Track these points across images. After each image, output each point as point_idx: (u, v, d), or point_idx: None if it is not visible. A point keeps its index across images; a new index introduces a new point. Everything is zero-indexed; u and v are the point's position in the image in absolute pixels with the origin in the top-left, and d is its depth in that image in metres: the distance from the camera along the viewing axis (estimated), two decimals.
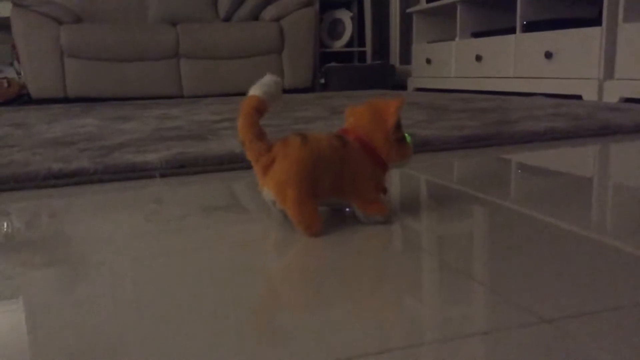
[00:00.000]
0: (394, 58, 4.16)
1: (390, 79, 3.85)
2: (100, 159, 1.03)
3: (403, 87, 3.89)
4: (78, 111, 2.34)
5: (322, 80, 3.85)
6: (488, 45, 2.81)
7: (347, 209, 0.68)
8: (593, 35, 2.15)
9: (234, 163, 1.03)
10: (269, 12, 3.60)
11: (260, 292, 0.47)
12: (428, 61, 3.42)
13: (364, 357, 0.35)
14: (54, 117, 2.04)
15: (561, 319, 0.39)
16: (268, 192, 0.61)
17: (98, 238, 0.63)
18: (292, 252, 0.58)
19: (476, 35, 3.01)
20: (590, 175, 0.89)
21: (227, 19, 3.65)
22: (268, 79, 0.63)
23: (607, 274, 0.47)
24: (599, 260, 0.50)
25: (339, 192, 0.63)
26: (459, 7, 3.07)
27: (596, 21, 2.17)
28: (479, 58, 2.88)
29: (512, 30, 2.66)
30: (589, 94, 2.17)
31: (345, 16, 4.18)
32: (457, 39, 3.10)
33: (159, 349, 0.37)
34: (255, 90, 0.62)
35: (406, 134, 0.67)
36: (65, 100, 3.19)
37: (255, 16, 3.67)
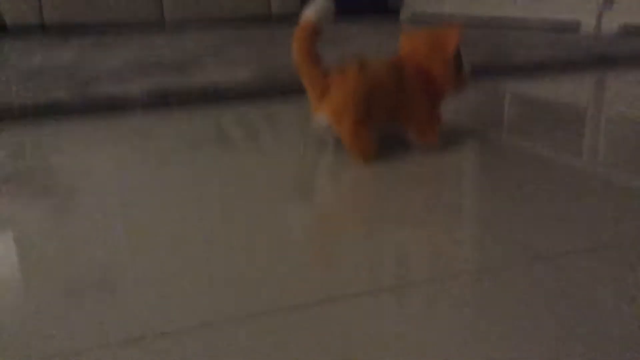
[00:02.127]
0: None
1: (383, 8, 3.70)
2: (79, 90, 0.98)
3: (396, 16, 3.75)
4: (55, 40, 2.24)
5: None
6: None
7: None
8: None
9: (219, 96, 0.99)
10: None
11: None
12: None
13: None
14: (30, 48, 1.95)
15: (556, 257, 0.38)
16: (323, 117, 0.62)
17: (84, 170, 0.60)
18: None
19: None
20: (585, 106, 0.86)
21: None
22: (320, 1, 0.63)
23: (600, 208, 0.45)
24: (590, 193, 0.49)
25: (395, 118, 0.65)
26: None
27: None
28: None
29: None
30: (588, 21, 2.10)
31: None
32: None
33: (153, 277, 0.36)
34: (309, 14, 0.62)
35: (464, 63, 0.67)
36: (42, 27, 3.05)
37: None
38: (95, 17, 3.29)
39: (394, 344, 0.30)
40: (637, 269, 0.37)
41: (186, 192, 0.54)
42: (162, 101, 0.96)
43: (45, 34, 2.74)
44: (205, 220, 0.47)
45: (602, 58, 1.26)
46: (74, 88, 1.01)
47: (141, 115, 0.91)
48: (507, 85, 1.06)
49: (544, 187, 0.52)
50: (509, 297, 0.34)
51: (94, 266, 0.39)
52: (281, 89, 1.03)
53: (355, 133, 0.60)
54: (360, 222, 0.46)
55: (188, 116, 0.89)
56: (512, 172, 0.58)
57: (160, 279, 0.37)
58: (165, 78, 1.09)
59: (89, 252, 0.41)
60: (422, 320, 0.32)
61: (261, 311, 0.33)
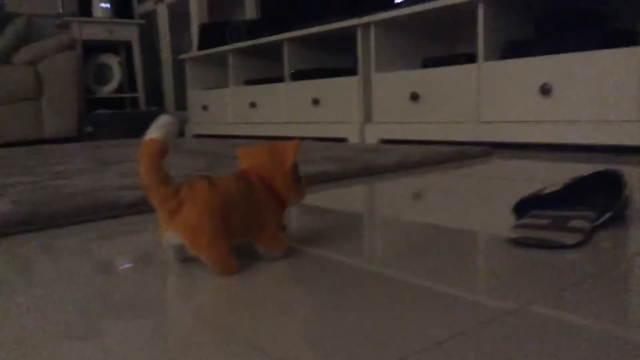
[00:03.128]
0: (169, 104, 4.06)
1: None
2: None
3: (180, 133, 3.79)
4: None
5: (90, 129, 3.55)
6: (261, 92, 2.91)
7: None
8: (352, 84, 2.36)
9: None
10: (22, 55, 3.22)
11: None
12: (205, 107, 3.40)
13: None
14: None
15: None
16: (175, 236, 0.61)
17: None
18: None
19: (249, 82, 3.09)
20: (360, 211, 0.93)
21: None
22: (164, 119, 0.61)
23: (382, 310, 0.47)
24: (373, 292, 0.50)
25: (245, 233, 0.64)
26: (230, 56, 3.13)
27: (353, 71, 2.40)
28: (253, 105, 2.96)
29: (281, 79, 2.79)
30: (353, 136, 2.37)
31: (112, 61, 3.96)
32: (230, 86, 3.15)
33: None
34: (154, 133, 0.60)
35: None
36: None
37: (5, 59, 3.25)
38: None
39: None
40: None
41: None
42: None
43: None
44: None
45: (368, 168, 1.40)
46: None
47: None
48: None
49: (351, 294, 0.52)
50: None
51: None
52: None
53: (214, 247, 0.60)
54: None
55: None
56: (322, 280, 0.57)
57: None
58: None
59: None
60: None
61: None
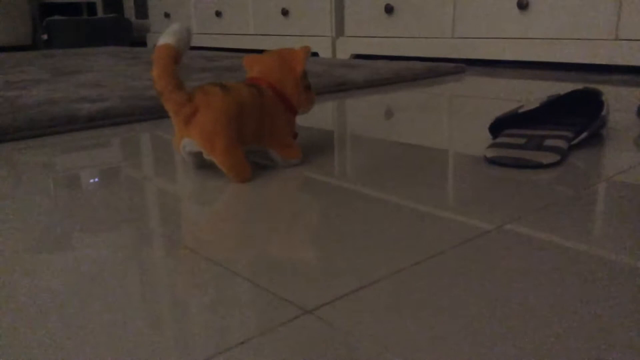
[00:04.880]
0: (129, 11, 3.84)
1: (126, 35, 3.54)
2: None
3: (142, 43, 3.62)
4: None
5: (45, 36, 3.35)
6: (226, 0, 2.76)
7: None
8: None
9: None
10: None
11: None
12: (167, 15, 3.22)
13: None
14: None
15: (321, 308, 0.35)
16: (191, 143, 0.60)
17: None
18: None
19: None
20: (333, 129, 0.90)
21: None
22: (177, 26, 0.60)
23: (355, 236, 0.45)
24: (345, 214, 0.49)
25: (259, 139, 0.64)
26: None
27: None
28: (218, 14, 2.81)
29: None
30: (324, 51, 2.29)
31: None
32: None
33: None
34: (167, 39, 0.59)
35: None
36: None
37: None
38: None
39: None
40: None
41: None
42: None
43: None
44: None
45: (341, 83, 1.36)
46: None
47: None
48: None
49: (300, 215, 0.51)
50: None
51: None
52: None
53: (230, 154, 0.59)
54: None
55: None
56: (304, 198, 0.55)
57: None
58: None
59: None
60: None
61: None
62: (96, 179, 0.66)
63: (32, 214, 0.54)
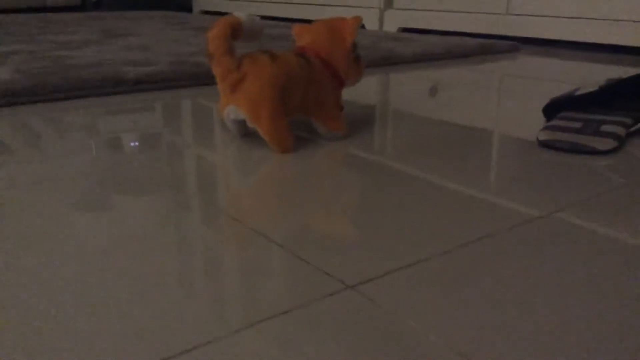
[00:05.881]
0: None
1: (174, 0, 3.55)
2: None
3: (188, 8, 3.63)
4: None
5: None
6: None
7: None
8: None
9: None
10: None
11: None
12: None
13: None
14: None
15: (363, 284, 0.34)
16: (236, 110, 0.60)
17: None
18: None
19: None
20: (376, 104, 0.88)
21: None
22: (252, 16, 0.61)
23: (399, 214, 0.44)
24: (389, 197, 0.48)
25: (305, 109, 0.63)
26: None
27: None
28: None
29: None
30: (372, 23, 2.24)
31: None
32: None
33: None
34: (238, 13, 0.60)
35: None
36: None
37: None
38: None
39: None
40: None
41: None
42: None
43: None
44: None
45: (388, 57, 1.33)
46: None
47: None
48: None
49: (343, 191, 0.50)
50: None
51: None
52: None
53: (274, 123, 0.59)
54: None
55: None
56: (349, 176, 0.54)
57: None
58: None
59: None
60: None
61: None
62: (138, 143, 0.66)
63: (73, 175, 0.54)
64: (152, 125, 0.75)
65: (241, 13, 0.61)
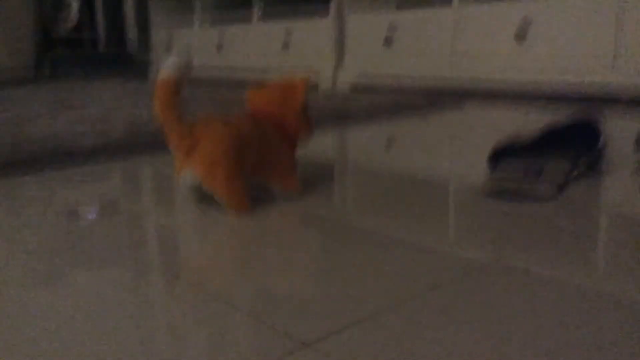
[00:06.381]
0: (132, 45, 3.89)
1: (128, 68, 3.59)
2: None
3: (144, 76, 3.66)
4: None
5: (47, 70, 3.39)
6: (228, 33, 2.80)
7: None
8: (324, 25, 2.29)
9: None
10: None
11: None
12: (168, 49, 3.27)
13: None
14: None
15: (321, 341, 0.35)
16: (192, 174, 0.60)
17: None
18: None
19: (216, 23, 2.97)
20: (333, 160, 0.91)
21: None
22: (176, 58, 0.62)
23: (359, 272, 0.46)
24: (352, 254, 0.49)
25: (259, 170, 0.65)
26: None
27: (325, 13, 2.32)
28: (220, 47, 2.85)
29: (249, 20, 2.69)
30: (325, 82, 2.32)
31: None
32: (196, 26, 3.02)
33: None
34: (166, 72, 0.60)
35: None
36: None
37: None
38: None
39: None
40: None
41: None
42: None
43: None
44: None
45: (341, 114, 1.37)
46: None
47: None
48: None
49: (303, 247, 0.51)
50: None
51: None
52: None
53: (231, 185, 0.60)
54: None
55: None
56: (304, 233, 0.55)
57: None
58: None
59: None
60: None
61: None
62: (95, 213, 0.66)
63: (29, 248, 0.54)
64: (109, 194, 0.75)
65: (167, 68, 0.61)
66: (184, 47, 3.14)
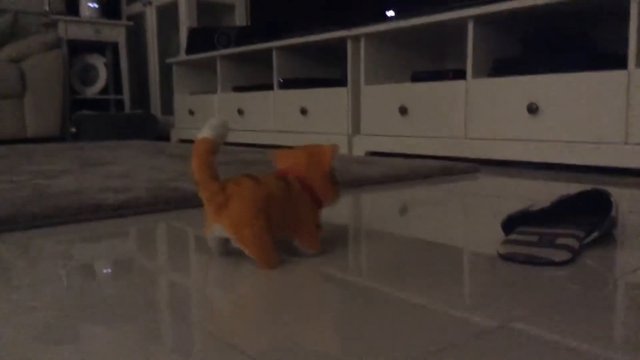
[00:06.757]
0: (155, 108, 4.03)
1: (151, 130, 3.70)
2: None
3: (166, 138, 3.77)
4: None
5: (74, 129, 3.51)
6: (249, 99, 2.90)
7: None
8: (341, 95, 2.36)
9: None
10: (7, 52, 3.18)
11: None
12: (191, 112, 3.38)
13: None
14: None
15: None
16: (221, 229, 0.64)
17: None
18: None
19: (237, 89, 3.09)
20: (348, 224, 0.92)
21: None
22: (216, 121, 0.66)
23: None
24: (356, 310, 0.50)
25: (284, 228, 0.67)
26: (218, 62, 3.12)
27: (342, 82, 2.40)
28: (241, 111, 2.95)
29: (270, 87, 2.79)
30: (341, 148, 2.37)
31: (98, 62, 3.92)
32: (218, 92, 3.14)
33: None
34: (206, 132, 0.65)
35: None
36: None
37: None
38: None
39: None
40: None
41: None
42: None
43: None
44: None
45: (357, 179, 1.40)
46: None
47: None
48: None
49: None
50: None
51: None
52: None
53: (259, 241, 0.62)
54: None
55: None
56: (312, 293, 0.56)
57: None
58: None
59: None
60: None
61: None
62: (112, 269, 0.68)
63: (42, 304, 0.55)
64: (129, 250, 0.77)
65: (207, 129, 0.66)
66: (206, 114, 3.25)
